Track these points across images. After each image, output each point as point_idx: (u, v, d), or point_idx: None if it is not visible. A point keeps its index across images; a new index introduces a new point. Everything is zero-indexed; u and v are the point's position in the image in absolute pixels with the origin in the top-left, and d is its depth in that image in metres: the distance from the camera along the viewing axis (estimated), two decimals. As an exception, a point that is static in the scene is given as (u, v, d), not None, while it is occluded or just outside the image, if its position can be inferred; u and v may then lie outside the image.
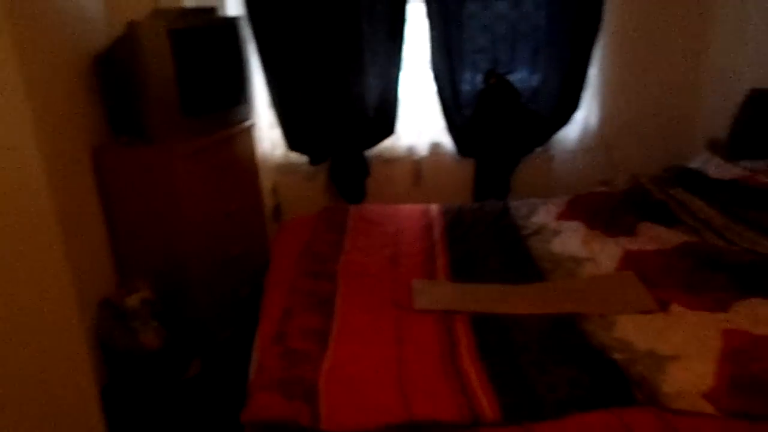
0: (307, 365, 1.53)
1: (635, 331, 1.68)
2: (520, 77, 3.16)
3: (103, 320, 2.28)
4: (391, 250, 2.31)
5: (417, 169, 3.30)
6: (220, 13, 2.78)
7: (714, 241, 2.19)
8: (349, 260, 2.20)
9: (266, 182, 3.15)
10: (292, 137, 3.10)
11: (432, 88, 3.12)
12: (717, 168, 2.71)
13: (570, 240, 2.34)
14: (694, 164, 2.88)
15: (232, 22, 2.65)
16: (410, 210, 2.72)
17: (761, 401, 1.39)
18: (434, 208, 2.73)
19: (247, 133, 2.81)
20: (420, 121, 3.24)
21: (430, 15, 2.96)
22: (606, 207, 2.55)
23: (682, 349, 1.58)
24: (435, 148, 3.28)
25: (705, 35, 3.23)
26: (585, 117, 3.28)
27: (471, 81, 3.16)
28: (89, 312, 2.24)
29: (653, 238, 2.29)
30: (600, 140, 3.30)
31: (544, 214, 2.62)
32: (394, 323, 1.79)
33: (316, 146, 3.14)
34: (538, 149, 3.30)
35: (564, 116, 3.20)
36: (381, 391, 1.44)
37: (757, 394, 1.40)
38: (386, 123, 3.13)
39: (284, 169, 3.24)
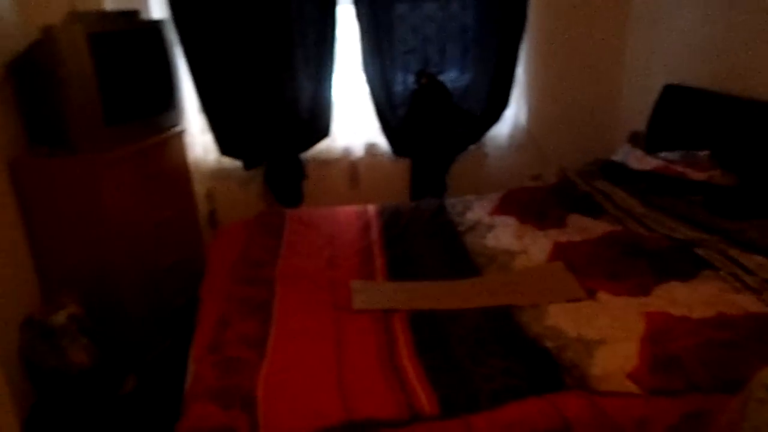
0: (244, 373, 1.51)
1: (565, 319, 1.74)
2: (450, 77, 3.23)
3: (28, 339, 2.17)
4: (329, 252, 2.30)
5: (354, 171, 3.31)
6: (143, 16, 2.69)
7: (636, 229, 2.30)
8: (287, 264, 2.19)
9: (200, 188, 3.09)
10: (225, 142, 3.05)
11: (365, 89, 3.14)
12: (637, 160, 2.86)
13: (503, 234, 2.41)
14: (617, 157, 3.02)
15: (156, 25, 2.57)
16: (347, 211, 2.73)
17: (678, 377, 1.48)
18: (371, 208, 2.75)
19: (178, 139, 2.74)
20: (355, 123, 3.26)
21: (360, 17, 2.98)
22: (536, 201, 2.64)
23: (609, 333, 1.66)
24: (371, 148, 3.30)
25: (622, 34, 3.40)
26: (515, 114, 3.39)
27: (403, 82, 3.20)
28: (12, 331, 2.12)
29: (581, 229, 2.38)
30: (529, 136, 3.42)
31: (479, 210, 2.68)
32: (333, 325, 1.79)
33: (250, 150, 3.10)
34: (472, 147, 3.38)
35: (494, 114, 3.29)
36: (320, 393, 1.44)
37: (675, 371, 1.49)
38: (321, 125, 3.13)
39: (218, 174, 3.18)
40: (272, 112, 3.01)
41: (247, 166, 3.13)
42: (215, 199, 3.22)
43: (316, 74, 3.02)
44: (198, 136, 3.09)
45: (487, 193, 2.90)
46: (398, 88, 3.21)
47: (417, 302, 1.88)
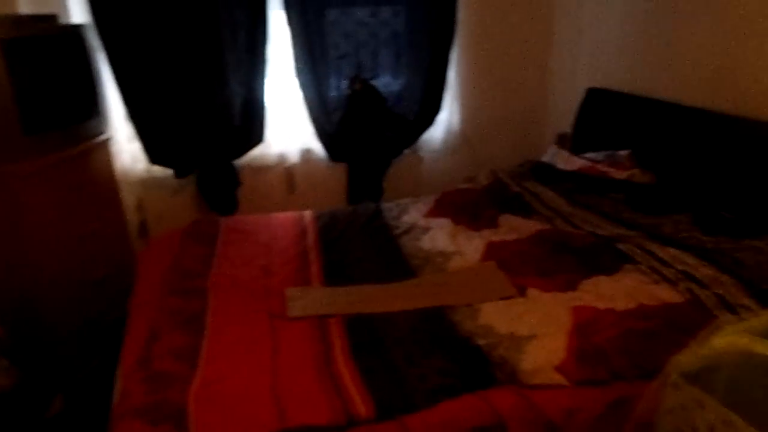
0: (174, 387, 1.46)
1: (497, 317, 1.79)
2: (384, 82, 3.27)
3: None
4: (265, 260, 2.27)
5: (290, 177, 3.28)
6: (63, 21, 2.58)
7: (564, 228, 2.39)
8: (220, 274, 2.14)
9: (129, 198, 2.98)
10: (154, 150, 2.96)
11: (299, 94, 3.12)
12: (564, 160, 2.98)
13: (438, 236, 2.45)
14: (545, 158, 3.13)
15: (76, 30, 2.47)
16: (283, 218, 2.70)
17: (603, 368, 1.54)
18: (308, 214, 2.73)
19: (103, 148, 2.64)
20: (290, 128, 3.23)
21: (291, 23, 2.96)
22: (470, 202, 2.70)
23: (538, 328, 1.71)
24: (306, 154, 3.29)
25: (547, 39, 3.54)
26: (448, 118, 3.45)
27: (337, 87, 3.21)
28: None
29: (513, 228, 2.45)
30: (463, 140, 3.49)
31: (414, 213, 2.72)
32: (268, 334, 1.76)
33: (181, 158, 3.02)
34: (407, 151, 3.42)
35: (428, 118, 3.34)
36: (254, 403, 1.42)
37: (600, 362, 1.55)
38: (254, 131, 3.08)
39: (148, 183, 3.08)
40: (203, 119, 2.95)
41: (179, 174, 3.05)
42: (146, 209, 3.12)
43: (247, 79, 2.98)
44: (125, 145, 2.98)
45: (423, 196, 2.94)
46: (332, 93, 3.21)
47: (353, 306, 1.89)
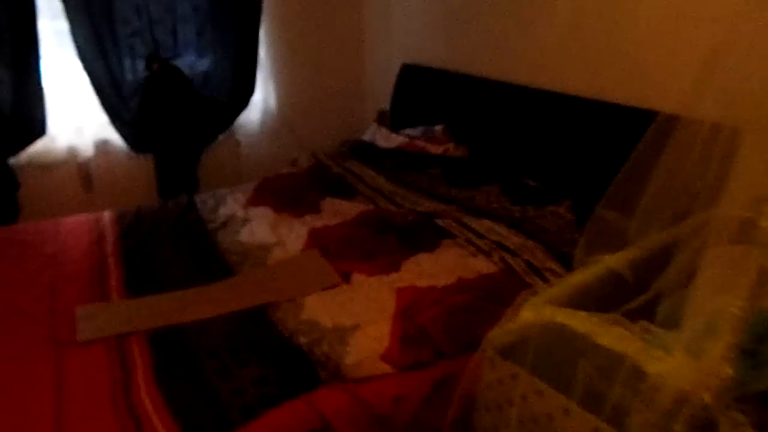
0: None
1: (322, 309, 1.70)
2: (187, 62, 2.97)
3: None
4: (51, 275, 1.93)
5: (85, 173, 2.86)
6: None
7: (386, 207, 2.36)
8: (-10, 300, 1.78)
9: None
10: None
11: (86, 78, 2.71)
12: (384, 138, 2.97)
13: (259, 227, 2.28)
14: (366, 136, 3.10)
15: None
16: (75, 222, 2.33)
17: (427, 349, 1.53)
18: (107, 216, 2.39)
19: None
20: (79, 117, 2.80)
21: (65, -4, 2.54)
22: (291, 188, 2.57)
23: (363, 316, 1.65)
24: (103, 146, 2.88)
25: (359, 14, 3.48)
26: (264, 99, 3.26)
27: (132, 69, 2.84)
28: None
29: (336, 212, 2.37)
30: (281, 121, 3.33)
31: (232, 204, 2.52)
32: (53, 365, 1.48)
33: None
34: (221, 136, 3.17)
35: (242, 100, 3.12)
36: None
37: (424, 344, 1.53)
38: (31, 122, 2.61)
39: None
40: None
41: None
42: None
43: (14, 61, 2.50)
44: None
45: (243, 183, 2.74)
46: (128, 76, 2.84)
47: (159, 319, 1.66)
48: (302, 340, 1.55)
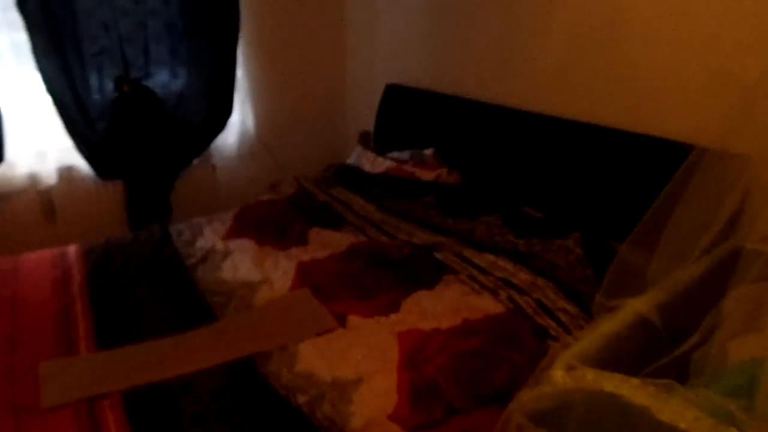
0: None
1: (318, 359, 1.54)
2: (160, 82, 2.79)
3: None
4: (9, 324, 1.72)
5: (47, 203, 2.64)
6: None
7: (377, 238, 2.22)
8: (-63, 355, 1.56)
9: None
10: None
11: (48, 99, 2.50)
12: (370, 162, 2.83)
13: (242, 262, 2.11)
14: (351, 160, 2.96)
15: None
16: (37, 259, 2.11)
17: (438, 405, 1.38)
18: (72, 250, 2.18)
19: None
20: (40, 141, 2.59)
21: (25, 10, 2.33)
22: (274, 217, 2.41)
23: (365, 367, 1.51)
24: (67, 173, 2.67)
25: (342, 34, 3.36)
26: (241, 121, 3.10)
27: (100, 89, 2.65)
28: None
29: (324, 244, 2.22)
30: (260, 144, 3.17)
31: (211, 235, 2.33)
32: (12, 437, 1.29)
33: None
34: (196, 161, 2.98)
35: (218, 122, 2.94)
36: None
37: (435, 399, 1.39)
38: (-13, 149, 2.40)
39: None
40: None
41: None
42: None
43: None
44: None
45: (223, 211, 2.57)
46: (95, 97, 2.64)
47: (135, 376, 1.48)
48: (301, 399, 1.39)
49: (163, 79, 2.80)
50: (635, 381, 0.97)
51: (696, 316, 1.52)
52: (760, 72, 1.37)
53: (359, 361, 1.53)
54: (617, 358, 1.22)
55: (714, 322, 1.31)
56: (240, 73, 2.98)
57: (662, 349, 1.35)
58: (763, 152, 1.56)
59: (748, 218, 1.62)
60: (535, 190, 2.26)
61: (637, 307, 1.32)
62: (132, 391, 1.42)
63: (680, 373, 1.31)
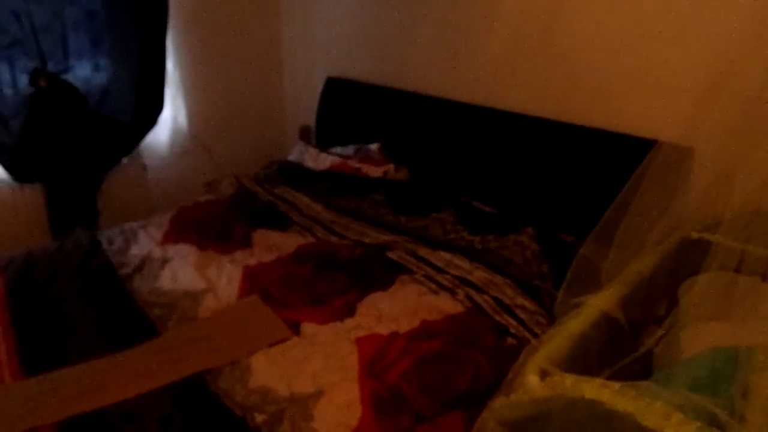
0: None
1: (273, 372, 1.46)
2: (82, 76, 2.57)
3: None
4: None
5: (-45, 210, 2.39)
6: None
7: (327, 238, 2.14)
8: None
9: None
10: None
11: (-48, 96, 2.26)
12: (313, 158, 2.73)
13: (182, 269, 1.98)
14: (293, 156, 2.85)
15: None
16: (-54, 276, 1.90)
17: (404, 413, 1.33)
18: (-12, 263, 1.98)
19: None
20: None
21: None
22: (214, 219, 2.27)
23: (324, 378, 1.43)
24: (-22, 177, 2.42)
25: (278, 23, 3.22)
26: (173, 117, 2.91)
27: (13, 84, 2.41)
28: None
29: (270, 246, 2.12)
30: (194, 141, 2.99)
31: (146, 241, 2.18)
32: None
33: None
34: (125, 160, 2.78)
35: (147, 118, 2.75)
36: None
37: (400, 408, 1.34)
38: None
39: None
40: None
41: None
42: None
43: None
44: None
45: (156, 214, 2.40)
46: (7, 92, 2.40)
47: (70, 405, 1.33)
48: (258, 418, 1.30)
49: (85, 73, 2.58)
50: (615, 386, 0.94)
51: (651, 307, 1.55)
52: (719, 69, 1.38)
53: (317, 372, 1.46)
54: (585, 357, 1.21)
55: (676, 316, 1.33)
56: (170, 65, 2.79)
57: (626, 344, 1.36)
58: (709, 144, 1.59)
59: (679, 206, 1.66)
60: (483, 185, 2.24)
61: (601, 304, 1.32)
62: (68, 422, 1.28)
63: (644, 367, 1.32)
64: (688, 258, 1.55)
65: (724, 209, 1.52)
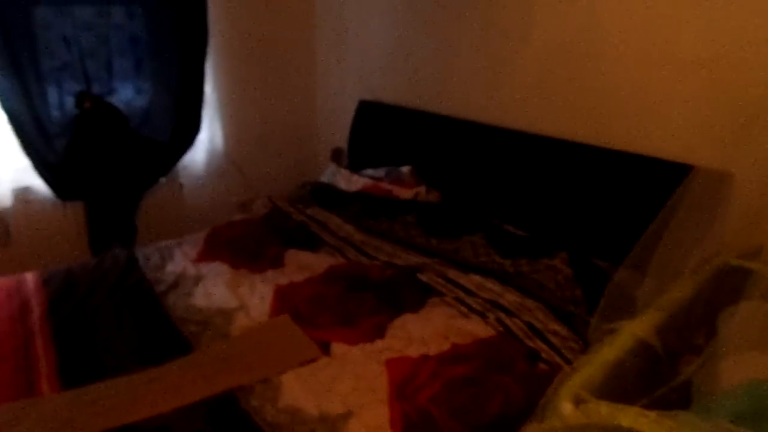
0: None
1: (303, 392, 1.46)
2: (124, 98, 2.67)
3: None
4: (-39, 363, 1.58)
5: (1, 226, 2.47)
6: None
7: (357, 259, 2.15)
8: None
9: None
10: None
11: (3, 117, 2.36)
12: (345, 180, 2.76)
13: (215, 287, 2.01)
14: (325, 178, 2.89)
15: None
16: (-8, 289, 1.97)
17: (435, 438, 1.32)
18: (30, 278, 2.04)
19: None
20: (-6, 162, 2.44)
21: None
22: (248, 238, 2.30)
23: (353, 400, 1.43)
24: (23, 194, 2.52)
25: (312, 48, 3.30)
26: (209, 138, 2.99)
27: (60, 106, 2.51)
28: None
29: (301, 266, 2.14)
30: (229, 162, 3.06)
31: (181, 259, 2.22)
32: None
33: None
34: (163, 180, 2.86)
35: (185, 140, 2.83)
36: None
37: (430, 430, 1.33)
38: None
39: None
40: None
41: None
42: None
43: None
44: None
45: (191, 232, 2.45)
46: (54, 113, 2.50)
47: (105, 419, 1.36)
48: (289, 438, 1.30)
49: (128, 96, 2.68)
50: (652, 415, 0.92)
51: (689, 335, 1.51)
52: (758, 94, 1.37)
53: (347, 393, 1.46)
54: (621, 385, 1.19)
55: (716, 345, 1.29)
56: (208, 89, 2.88)
57: (662, 372, 1.33)
58: (747, 171, 1.56)
59: (734, 234, 1.63)
60: (515, 208, 2.23)
61: (636, 331, 1.29)
62: (102, 436, 1.31)
63: (682, 396, 1.29)
64: (727, 286, 1.51)
65: (766, 236, 1.49)
